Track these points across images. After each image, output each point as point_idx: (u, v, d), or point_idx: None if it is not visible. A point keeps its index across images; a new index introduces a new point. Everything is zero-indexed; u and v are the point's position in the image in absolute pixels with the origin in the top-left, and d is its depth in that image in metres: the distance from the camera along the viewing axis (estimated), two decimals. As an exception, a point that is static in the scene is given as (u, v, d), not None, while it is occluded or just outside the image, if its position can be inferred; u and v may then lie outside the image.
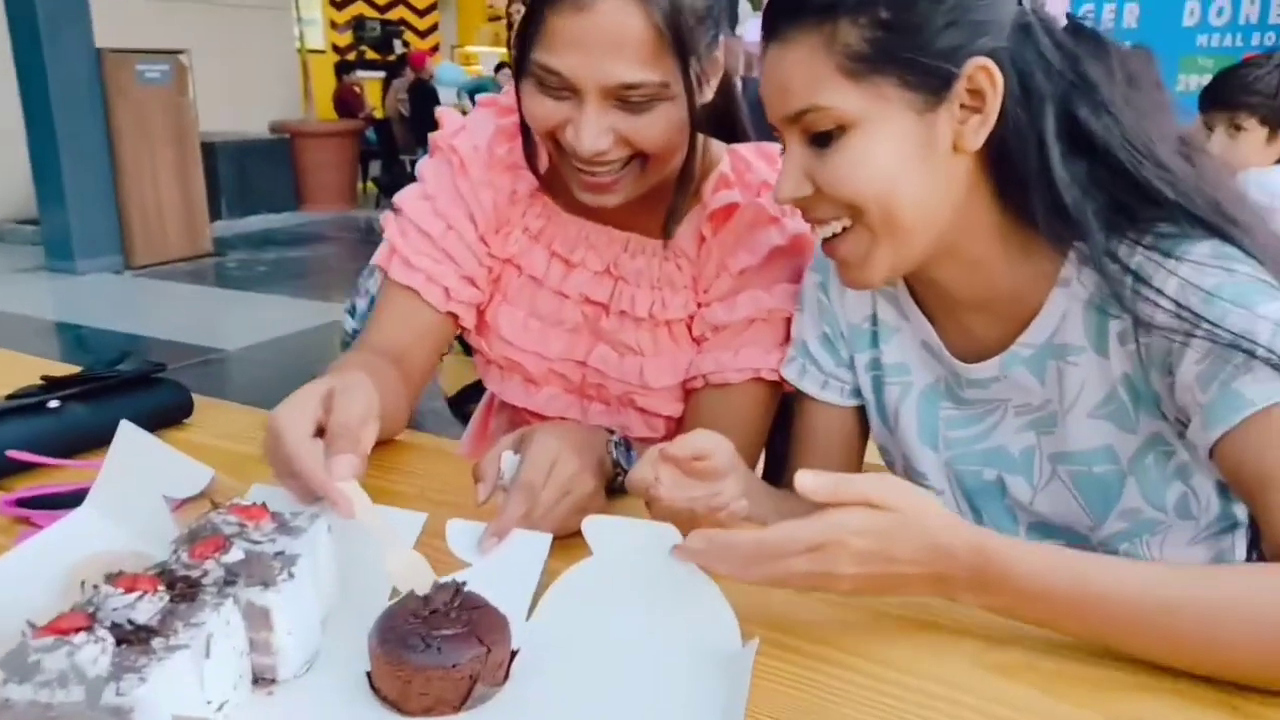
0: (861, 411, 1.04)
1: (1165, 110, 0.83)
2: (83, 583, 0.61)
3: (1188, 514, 0.87)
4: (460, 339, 1.22)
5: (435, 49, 12.37)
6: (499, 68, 9.60)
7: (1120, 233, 0.79)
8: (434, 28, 12.89)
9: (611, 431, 0.95)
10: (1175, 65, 4.70)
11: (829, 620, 0.73)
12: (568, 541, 0.78)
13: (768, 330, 1.07)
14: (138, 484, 0.79)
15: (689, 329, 1.12)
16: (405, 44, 11.62)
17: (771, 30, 0.81)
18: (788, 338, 1.06)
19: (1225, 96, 2.44)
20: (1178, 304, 0.75)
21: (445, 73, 9.93)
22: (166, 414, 1.12)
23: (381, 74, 10.07)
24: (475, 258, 1.12)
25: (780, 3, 0.80)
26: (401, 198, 1.14)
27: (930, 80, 0.76)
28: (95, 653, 0.54)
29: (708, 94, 0.99)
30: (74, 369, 1.14)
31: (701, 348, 1.11)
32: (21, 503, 0.89)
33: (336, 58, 10.80)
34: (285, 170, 8.62)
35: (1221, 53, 4.68)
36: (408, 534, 0.76)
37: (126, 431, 0.81)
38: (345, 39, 11.40)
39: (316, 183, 8.83)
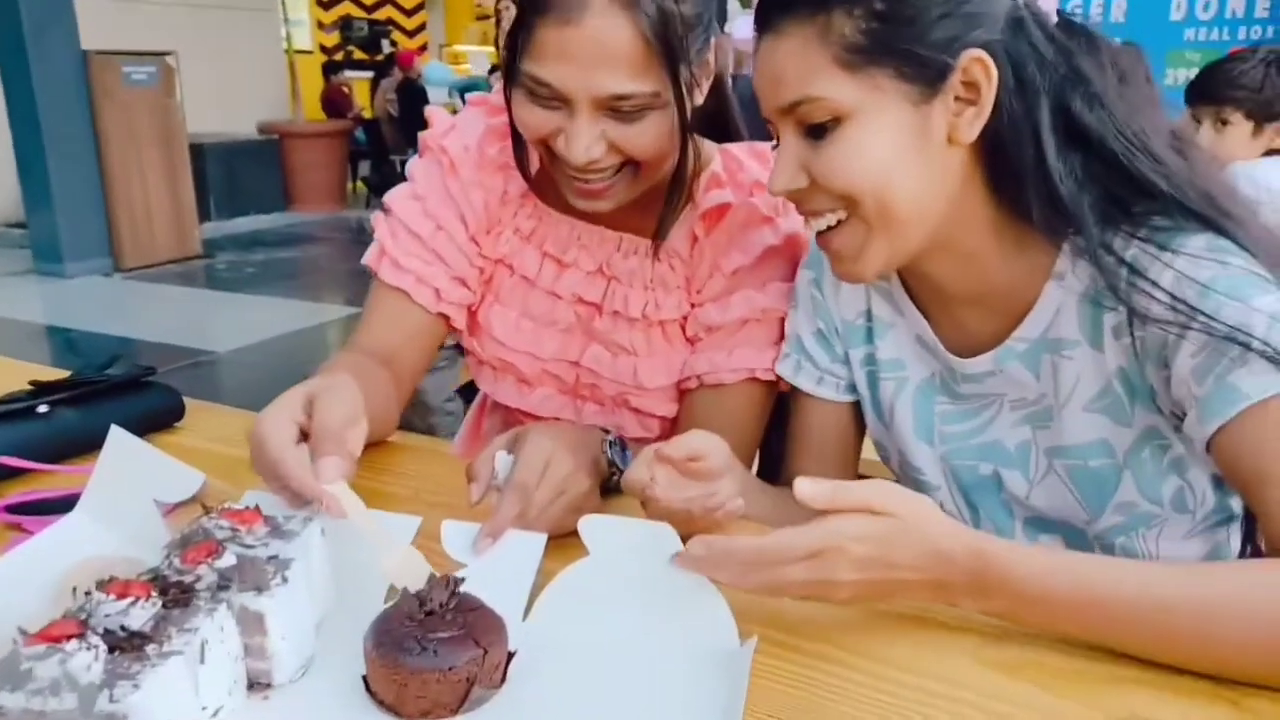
0: (857, 407, 1.04)
1: (1156, 105, 0.84)
2: (74, 589, 0.60)
3: (1183, 507, 0.87)
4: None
5: (423, 48, 12.33)
6: (493, 70, 9.56)
7: (1115, 225, 0.79)
8: (422, 27, 12.85)
9: (607, 431, 0.94)
10: (1162, 59, 4.73)
11: (828, 618, 0.73)
12: (563, 541, 0.78)
13: (762, 330, 1.07)
14: (129, 489, 0.78)
15: (683, 329, 1.11)
16: (393, 43, 11.58)
17: (765, 22, 0.80)
18: (782, 337, 1.06)
19: (1211, 90, 2.45)
20: (1173, 297, 0.75)
21: (434, 72, 9.89)
22: (157, 418, 1.11)
23: (369, 74, 10.03)
24: (466, 258, 1.12)
25: None
26: (391, 198, 1.13)
27: (925, 71, 0.76)
28: (88, 660, 0.53)
29: (699, 98, 0.99)
30: (63, 373, 1.13)
31: (695, 348, 1.10)
32: (11, 509, 0.88)
33: (324, 58, 10.74)
34: (274, 171, 8.57)
35: (1208, 47, 4.71)
36: (402, 538, 0.76)
37: (117, 436, 0.81)
38: (332, 39, 11.35)
39: (305, 183, 8.79)
